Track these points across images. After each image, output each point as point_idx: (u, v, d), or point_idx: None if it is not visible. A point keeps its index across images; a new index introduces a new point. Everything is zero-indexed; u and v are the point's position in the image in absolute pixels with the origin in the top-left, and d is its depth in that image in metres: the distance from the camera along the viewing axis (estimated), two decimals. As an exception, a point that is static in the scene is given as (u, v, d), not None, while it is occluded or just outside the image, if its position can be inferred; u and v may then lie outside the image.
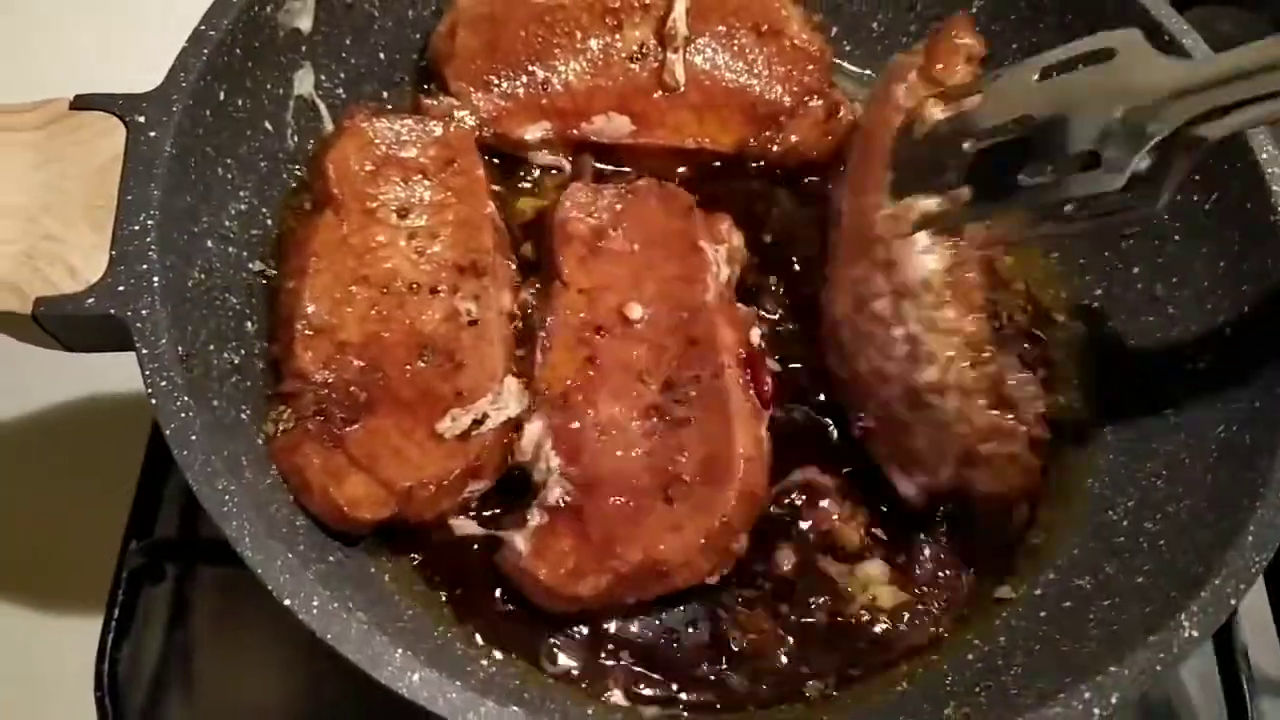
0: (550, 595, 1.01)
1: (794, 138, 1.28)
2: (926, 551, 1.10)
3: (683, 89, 1.29)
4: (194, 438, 0.89)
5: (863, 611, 1.07)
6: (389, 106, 1.29)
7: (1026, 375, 1.04)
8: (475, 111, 1.26)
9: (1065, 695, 0.86)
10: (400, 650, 0.83)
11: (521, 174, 1.29)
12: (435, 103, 1.26)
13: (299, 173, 1.21)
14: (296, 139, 1.20)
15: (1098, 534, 1.09)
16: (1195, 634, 0.89)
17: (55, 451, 1.31)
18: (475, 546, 1.07)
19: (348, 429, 1.03)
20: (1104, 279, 1.23)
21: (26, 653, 1.20)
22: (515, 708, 0.82)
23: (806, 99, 1.29)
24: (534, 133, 1.27)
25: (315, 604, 0.84)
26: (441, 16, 1.29)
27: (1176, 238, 1.17)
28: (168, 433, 0.89)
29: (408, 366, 1.07)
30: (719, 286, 1.16)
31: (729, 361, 1.10)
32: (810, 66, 1.30)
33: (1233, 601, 0.91)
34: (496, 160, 1.28)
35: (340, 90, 1.25)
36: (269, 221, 1.17)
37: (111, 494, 1.21)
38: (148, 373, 0.91)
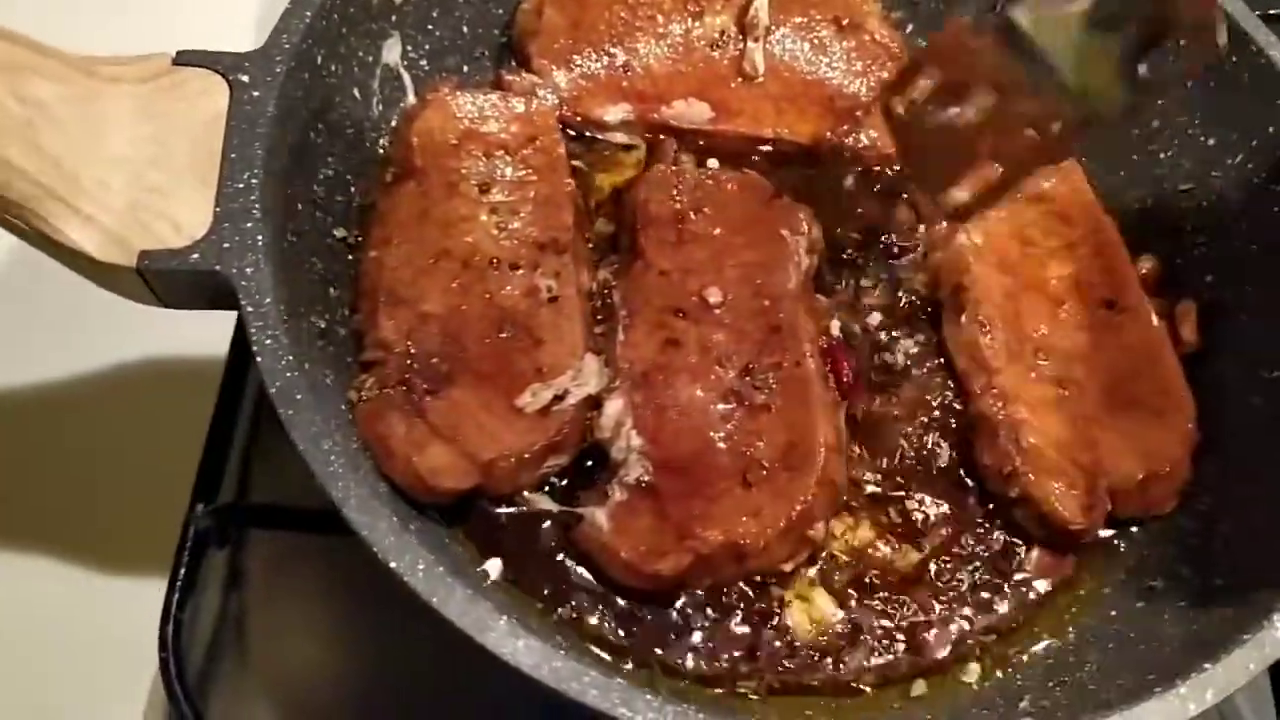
0: (630, 572, 1.01)
1: (872, 133, 1.29)
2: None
3: (761, 78, 1.30)
4: (299, 397, 0.89)
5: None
6: (469, 81, 1.29)
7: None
8: (556, 89, 1.26)
9: (1160, 691, 0.86)
10: (505, 617, 0.83)
11: (599, 150, 1.29)
12: (517, 78, 1.26)
13: (382, 143, 1.21)
14: (381, 108, 1.20)
15: (1168, 536, 1.10)
16: (1290, 633, 0.89)
17: (118, 412, 1.30)
18: (545, 522, 1.06)
19: (429, 399, 1.03)
20: (1175, 286, 1.24)
21: (90, 612, 1.19)
22: (619, 679, 0.82)
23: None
24: (614, 114, 1.27)
25: (421, 567, 0.84)
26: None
27: (1254, 246, 1.18)
28: (273, 391, 0.88)
29: (488, 340, 1.07)
30: (799, 276, 1.16)
31: (810, 351, 1.11)
32: (889, 63, 1.32)
33: (1326, 603, 0.92)
34: (572, 133, 1.28)
35: (424, 62, 1.25)
36: (351, 189, 1.16)
37: (172, 456, 1.21)
38: (253, 331, 0.91)
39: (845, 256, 1.24)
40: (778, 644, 1.04)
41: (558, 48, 1.27)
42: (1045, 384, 1.12)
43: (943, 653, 1.05)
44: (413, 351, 1.05)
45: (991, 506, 1.11)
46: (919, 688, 1.04)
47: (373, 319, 1.07)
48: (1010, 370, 1.12)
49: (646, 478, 1.03)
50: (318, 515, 1.11)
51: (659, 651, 1.01)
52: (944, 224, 1.21)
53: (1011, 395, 1.10)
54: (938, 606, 1.07)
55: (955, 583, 1.08)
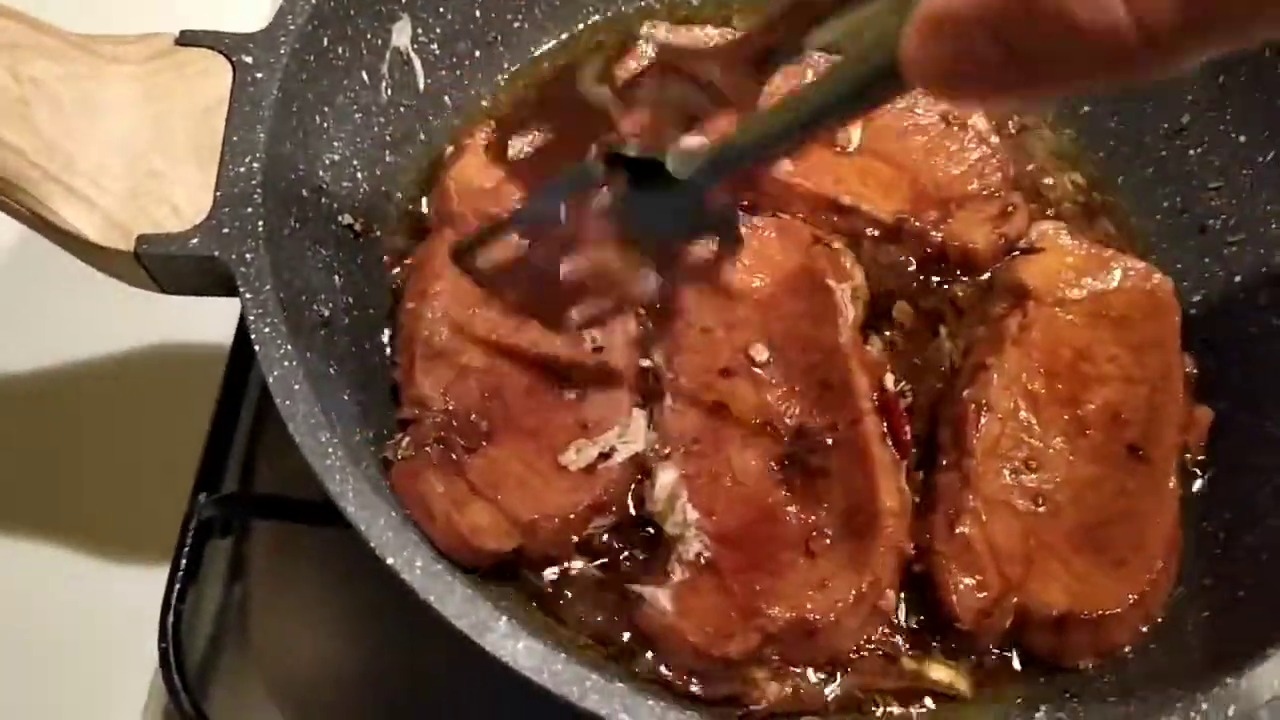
0: (699, 656, 0.95)
1: (961, 228, 1.19)
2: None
3: (854, 150, 1.23)
4: (297, 387, 0.86)
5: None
6: (478, 69, 1.28)
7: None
8: (633, 109, 1.19)
9: (1183, 705, 0.83)
10: (505, 618, 0.80)
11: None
12: (596, 87, 1.21)
13: (390, 130, 1.19)
14: (390, 92, 1.18)
15: (1190, 544, 1.06)
16: (1319, 652, 0.86)
17: (122, 399, 1.27)
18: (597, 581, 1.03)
19: (469, 458, 0.99)
20: (1205, 285, 1.20)
21: (90, 602, 1.16)
22: (620, 683, 0.79)
23: (984, 193, 1.22)
24: (689, 141, 1.20)
25: (419, 564, 0.82)
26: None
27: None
28: (271, 380, 0.86)
29: (530, 395, 1.04)
30: (849, 327, 1.09)
31: (867, 408, 1.04)
32: (995, 163, 1.23)
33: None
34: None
35: (434, 46, 1.22)
36: (359, 175, 1.14)
37: (175, 444, 1.19)
38: (252, 318, 0.88)
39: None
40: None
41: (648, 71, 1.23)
42: (1019, 493, 1.02)
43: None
44: (451, 408, 1.01)
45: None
46: (926, 702, 1.00)
47: (409, 375, 1.04)
48: (988, 464, 1.02)
49: (706, 553, 0.97)
50: (322, 507, 1.07)
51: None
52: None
53: (974, 484, 1.01)
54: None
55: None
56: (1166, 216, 1.25)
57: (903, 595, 1.01)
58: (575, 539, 1.02)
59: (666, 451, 1.03)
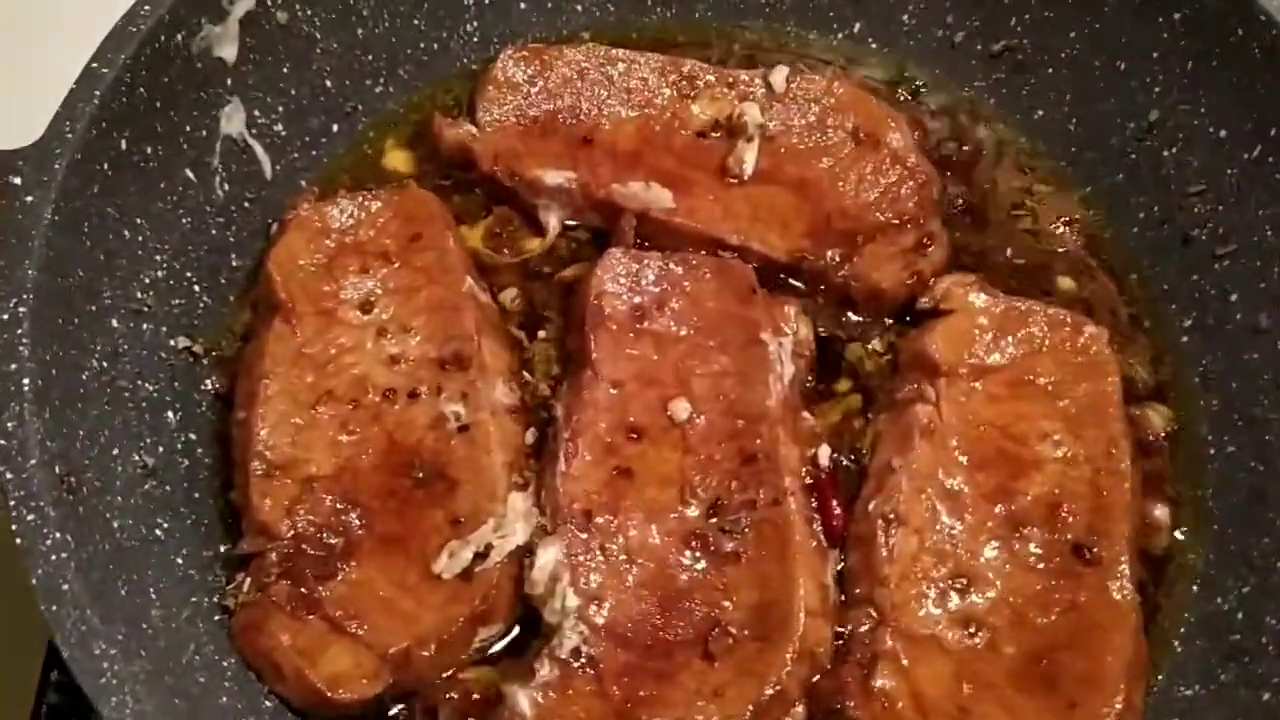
0: None
1: (868, 266, 1.03)
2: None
3: (747, 180, 1.07)
4: (66, 588, 0.71)
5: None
6: (336, 141, 1.12)
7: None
8: (494, 145, 1.08)
9: None
10: None
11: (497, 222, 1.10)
12: (451, 126, 1.09)
13: (231, 230, 1.03)
14: (227, 187, 1.03)
15: (1206, 629, 0.90)
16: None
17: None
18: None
19: (323, 588, 0.85)
20: (1196, 306, 1.03)
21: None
22: None
23: (896, 223, 1.05)
24: (554, 178, 1.07)
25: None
26: (399, 39, 1.14)
27: (1282, 259, 0.97)
28: (34, 580, 0.72)
29: (392, 493, 0.90)
30: (783, 389, 0.94)
31: (792, 486, 0.90)
32: (912, 187, 1.06)
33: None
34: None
35: (279, 126, 1.07)
36: (195, 289, 0.99)
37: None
38: (13, 503, 0.74)
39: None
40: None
41: (511, 101, 1.10)
42: (948, 620, 0.84)
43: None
44: (299, 530, 0.88)
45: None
46: None
47: (246, 498, 0.89)
48: (905, 590, 0.86)
49: (585, 648, 0.84)
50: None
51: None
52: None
53: (893, 617, 0.85)
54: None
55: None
56: (1145, 228, 1.08)
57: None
58: (457, 663, 0.87)
59: (554, 524, 0.88)
